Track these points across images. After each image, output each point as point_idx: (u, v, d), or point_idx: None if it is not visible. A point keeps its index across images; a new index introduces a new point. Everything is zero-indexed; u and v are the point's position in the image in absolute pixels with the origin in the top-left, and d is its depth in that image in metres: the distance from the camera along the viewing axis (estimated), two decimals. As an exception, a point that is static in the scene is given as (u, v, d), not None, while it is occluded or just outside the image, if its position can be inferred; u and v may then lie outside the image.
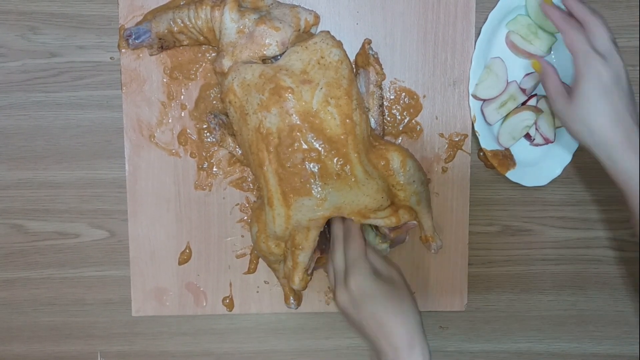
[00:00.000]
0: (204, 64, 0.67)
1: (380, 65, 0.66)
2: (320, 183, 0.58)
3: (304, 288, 0.62)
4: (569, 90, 0.60)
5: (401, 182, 0.62)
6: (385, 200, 0.61)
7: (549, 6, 0.61)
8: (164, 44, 0.65)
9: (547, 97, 0.63)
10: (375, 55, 0.66)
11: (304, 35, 0.62)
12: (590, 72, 0.57)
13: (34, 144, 0.69)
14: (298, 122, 0.58)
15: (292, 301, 0.68)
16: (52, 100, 0.68)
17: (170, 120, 0.68)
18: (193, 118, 0.68)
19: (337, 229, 0.61)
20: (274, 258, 0.64)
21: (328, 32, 0.61)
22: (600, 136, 0.57)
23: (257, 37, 0.60)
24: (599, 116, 0.57)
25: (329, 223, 0.63)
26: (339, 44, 0.60)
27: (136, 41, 0.63)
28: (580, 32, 0.58)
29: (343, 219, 0.62)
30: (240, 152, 0.66)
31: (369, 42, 0.66)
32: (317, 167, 0.58)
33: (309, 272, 0.63)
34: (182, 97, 0.68)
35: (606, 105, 0.57)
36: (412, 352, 0.56)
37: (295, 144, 0.58)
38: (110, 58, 0.68)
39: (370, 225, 0.63)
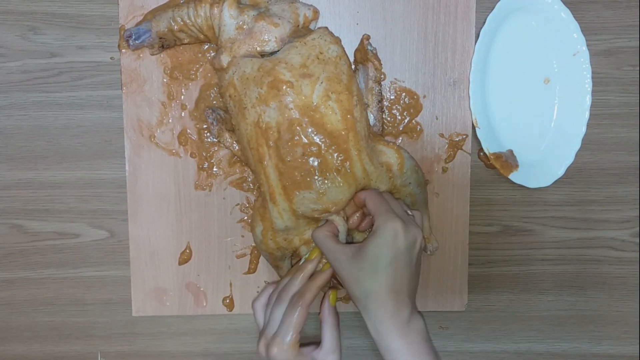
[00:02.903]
0: (204, 64, 0.67)
1: (379, 60, 0.66)
2: (320, 178, 0.58)
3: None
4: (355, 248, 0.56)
5: (397, 184, 0.62)
6: None
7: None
8: (164, 43, 0.65)
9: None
10: (374, 51, 0.66)
11: (302, 30, 0.62)
12: (387, 232, 0.54)
13: (34, 144, 0.69)
14: (298, 117, 0.58)
15: None
16: (52, 100, 0.68)
17: (170, 120, 0.68)
18: (193, 118, 0.68)
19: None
20: (281, 253, 0.64)
21: (326, 28, 0.61)
22: (371, 304, 0.54)
23: (256, 33, 0.60)
24: (376, 283, 0.54)
25: None
26: (337, 40, 0.60)
27: (136, 42, 0.63)
28: (381, 197, 0.58)
29: None
30: (237, 147, 0.65)
31: (368, 37, 0.66)
32: (317, 162, 0.58)
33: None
34: (182, 97, 0.68)
35: (387, 273, 0.54)
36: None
37: (295, 138, 0.58)
38: (111, 58, 0.68)
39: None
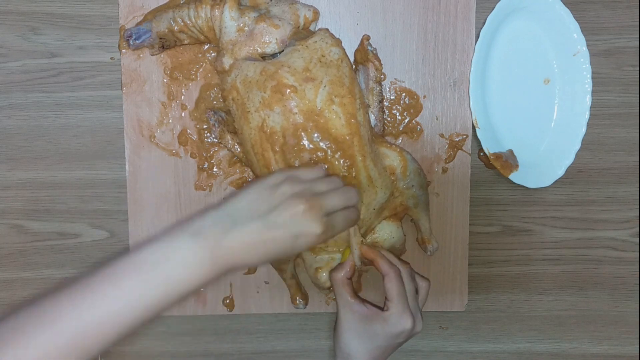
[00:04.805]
0: (204, 64, 0.67)
1: (379, 61, 0.66)
2: None
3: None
4: (369, 309, 0.59)
5: (400, 187, 0.62)
6: (373, 214, 0.61)
7: (371, 250, 0.60)
8: (164, 44, 0.65)
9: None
10: (374, 51, 0.66)
11: (302, 32, 0.62)
12: (396, 327, 0.57)
13: (34, 144, 0.69)
14: (302, 121, 0.57)
15: (300, 301, 0.68)
16: (52, 100, 0.68)
17: (170, 121, 0.68)
18: (193, 118, 0.68)
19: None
20: (285, 257, 0.64)
21: (327, 29, 0.61)
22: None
23: (257, 35, 0.60)
24: (364, 352, 0.59)
25: None
26: (338, 42, 0.60)
27: (137, 42, 0.63)
28: (401, 282, 0.58)
29: None
30: (239, 149, 0.65)
31: (368, 38, 0.66)
32: (324, 168, 0.58)
33: None
34: (182, 97, 0.68)
35: (377, 350, 0.59)
36: None
37: (301, 143, 0.57)
38: (111, 58, 0.68)
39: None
